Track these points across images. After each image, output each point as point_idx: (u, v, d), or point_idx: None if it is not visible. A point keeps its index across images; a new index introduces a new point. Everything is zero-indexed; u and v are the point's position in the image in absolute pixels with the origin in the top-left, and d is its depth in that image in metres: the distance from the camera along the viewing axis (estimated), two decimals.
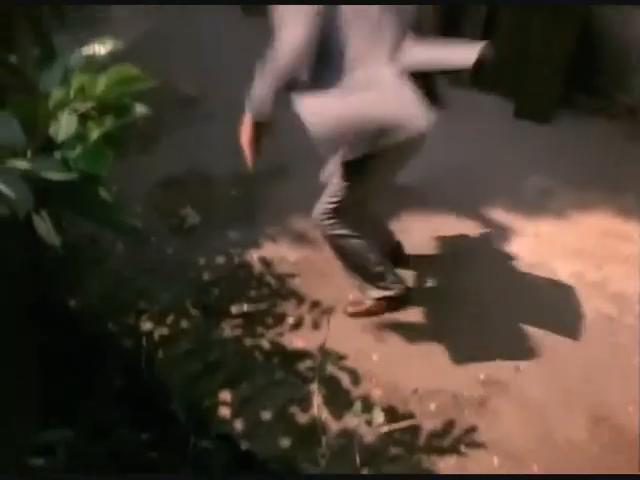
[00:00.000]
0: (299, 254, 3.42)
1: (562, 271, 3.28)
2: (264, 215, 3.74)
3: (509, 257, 3.38)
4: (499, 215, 3.70)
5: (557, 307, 3.07)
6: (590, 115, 4.61)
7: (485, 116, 4.67)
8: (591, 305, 3.07)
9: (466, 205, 3.76)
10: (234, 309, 3.08)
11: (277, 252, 3.44)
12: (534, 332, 2.92)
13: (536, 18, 4.52)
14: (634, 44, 4.42)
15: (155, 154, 4.18)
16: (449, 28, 5.13)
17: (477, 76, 4.97)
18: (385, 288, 2.90)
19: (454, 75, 5.00)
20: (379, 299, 2.93)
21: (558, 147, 4.28)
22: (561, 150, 4.25)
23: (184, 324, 3.01)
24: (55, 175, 0.97)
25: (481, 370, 2.75)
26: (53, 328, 2.92)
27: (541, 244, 3.48)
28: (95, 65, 1.10)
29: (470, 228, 3.59)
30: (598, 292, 3.15)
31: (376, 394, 2.66)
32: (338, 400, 2.63)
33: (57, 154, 1.04)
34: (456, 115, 4.65)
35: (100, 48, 1.19)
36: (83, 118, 1.09)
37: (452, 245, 3.47)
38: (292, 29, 2.25)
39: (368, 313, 3.00)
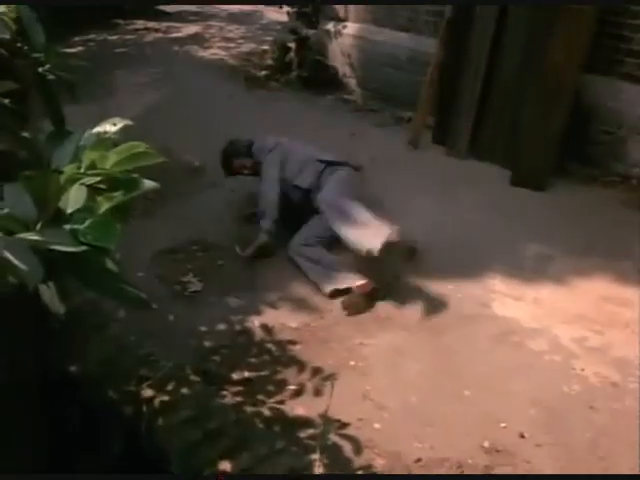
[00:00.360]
0: (300, 321, 3.42)
1: (563, 336, 3.27)
2: (265, 282, 3.76)
3: (509, 322, 3.38)
4: (498, 280, 3.71)
5: (559, 373, 3.05)
6: (585, 183, 4.71)
7: (482, 184, 4.76)
8: (593, 370, 3.05)
9: (464, 270, 3.78)
10: (235, 376, 3.05)
11: (278, 319, 3.44)
12: (538, 398, 2.89)
13: (529, 91, 4.65)
14: (624, 115, 4.53)
15: (159, 221, 4.24)
16: (444, 106, 5.28)
17: (474, 146, 5.10)
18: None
19: (452, 147, 5.15)
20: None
21: (555, 214, 4.35)
22: (558, 217, 4.31)
23: (185, 391, 2.98)
24: (64, 247, 1.00)
25: (485, 437, 2.71)
26: (53, 393, 2.91)
27: (541, 309, 3.48)
28: (106, 143, 1.14)
29: (469, 293, 3.60)
30: (600, 358, 3.13)
31: (378, 463, 2.61)
32: (340, 470, 2.58)
33: (66, 226, 1.07)
34: (454, 183, 4.77)
35: (111, 127, 1.24)
36: (92, 191, 1.12)
37: (451, 310, 3.47)
38: (267, 176, 4.08)
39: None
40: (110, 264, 1.09)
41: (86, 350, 3.20)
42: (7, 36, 1.63)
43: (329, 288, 3.63)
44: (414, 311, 3.47)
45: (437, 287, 3.66)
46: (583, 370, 3.05)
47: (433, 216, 4.35)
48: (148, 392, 2.95)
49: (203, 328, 3.37)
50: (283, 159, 4.15)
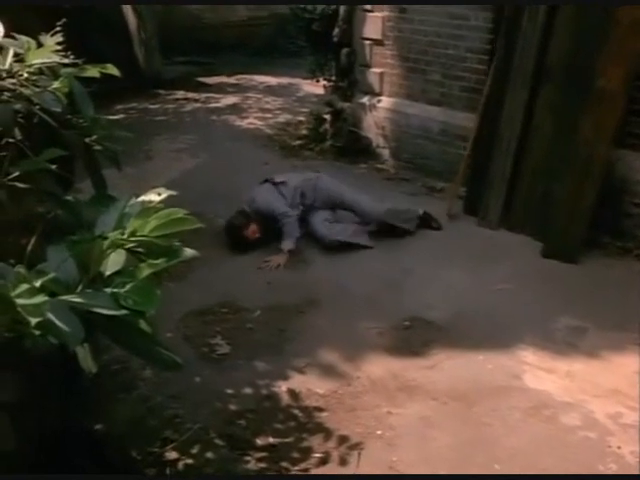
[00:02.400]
0: (327, 387, 3.40)
1: (598, 412, 3.20)
2: (293, 347, 3.77)
3: (541, 395, 3.32)
4: (529, 352, 3.67)
5: (594, 450, 2.97)
6: (618, 256, 4.67)
7: (514, 255, 4.76)
8: (630, 449, 2.96)
9: (495, 341, 3.75)
10: (260, 441, 3.03)
11: (305, 384, 3.43)
12: (572, 473, 2.81)
13: (561, 164, 4.70)
14: None
15: (189, 283, 4.30)
16: (476, 177, 5.36)
17: (506, 217, 5.13)
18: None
19: (483, 217, 5.22)
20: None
21: (587, 287, 4.31)
22: (590, 290, 4.27)
23: (209, 455, 2.96)
24: (105, 310, 1.04)
25: None
26: (77, 451, 2.91)
27: (574, 383, 3.42)
28: (150, 212, 1.20)
29: (500, 365, 3.56)
30: (636, 435, 3.04)
31: None
32: None
33: (107, 290, 1.11)
34: (485, 254, 4.78)
35: (155, 196, 1.30)
36: (132, 255, 1.18)
37: (481, 381, 3.43)
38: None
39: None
40: (145, 326, 1.13)
41: (112, 409, 3.22)
42: (59, 109, 1.73)
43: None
44: (443, 380, 3.43)
45: (467, 357, 3.63)
46: (619, 448, 2.97)
47: (464, 286, 4.35)
48: (172, 454, 2.94)
49: (229, 391, 3.38)
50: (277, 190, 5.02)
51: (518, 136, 5.05)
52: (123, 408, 3.23)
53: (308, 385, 3.42)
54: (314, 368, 3.57)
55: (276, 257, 4.72)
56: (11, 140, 1.74)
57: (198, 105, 9.51)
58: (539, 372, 3.51)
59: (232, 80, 11.21)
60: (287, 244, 4.78)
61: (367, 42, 6.68)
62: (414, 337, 3.84)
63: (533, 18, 4.81)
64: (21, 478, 1.27)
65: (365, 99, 6.87)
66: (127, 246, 1.17)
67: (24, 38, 1.81)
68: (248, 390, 3.39)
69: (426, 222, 5.22)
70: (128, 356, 3.28)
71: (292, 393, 3.36)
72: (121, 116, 8.65)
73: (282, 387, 3.41)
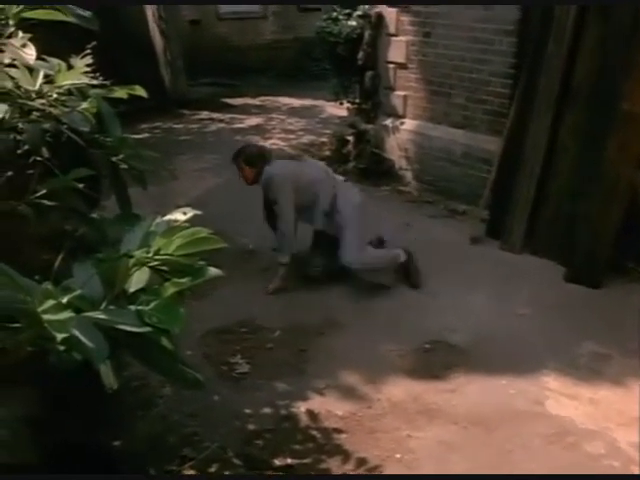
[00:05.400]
0: (347, 409, 3.39)
1: (622, 440, 3.14)
2: (313, 367, 3.76)
3: (564, 422, 3.27)
4: (552, 378, 3.62)
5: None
6: None
7: (537, 280, 4.72)
8: None
9: (517, 366, 3.71)
10: (277, 462, 3.02)
11: (325, 406, 3.42)
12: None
13: (585, 188, 4.67)
14: None
15: (211, 301, 4.32)
16: (499, 201, 5.34)
17: (529, 241, 5.09)
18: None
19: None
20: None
21: (611, 313, 4.25)
22: (614, 316, 4.21)
23: (226, 474, 2.96)
24: (129, 327, 1.06)
25: None
26: (95, 467, 2.91)
27: (598, 410, 3.36)
28: (175, 231, 1.22)
29: (522, 390, 3.52)
30: None
31: None
32: None
33: (132, 307, 1.13)
34: (508, 278, 4.74)
35: (181, 216, 1.32)
36: (156, 273, 1.19)
37: (503, 406, 3.39)
38: (283, 201, 4.44)
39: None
40: (167, 344, 1.14)
41: (131, 425, 3.23)
42: (87, 129, 1.76)
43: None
44: (464, 404, 3.40)
45: (489, 382, 3.59)
46: None
47: (486, 310, 4.32)
48: (190, 472, 2.94)
49: (248, 411, 3.37)
50: (295, 186, 4.46)
51: (542, 159, 5.03)
52: (142, 425, 3.24)
53: (327, 406, 3.41)
54: (334, 389, 3.56)
55: (275, 281, 4.60)
56: (39, 158, 1.78)
57: (222, 125, 9.62)
58: (562, 398, 3.46)
59: (256, 101, 11.33)
60: (285, 257, 4.53)
61: (391, 65, 6.74)
62: (435, 360, 3.81)
63: (558, 41, 4.81)
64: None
65: (388, 121, 6.91)
66: (151, 264, 1.19)
67: (55, 60, 1.85)
68: (267, 410, 3.39)
69: (406, 270, 4.73)
70: (147, 373, 3.29)
71: (311, 414, 3.35)
72: (146, 135, 8.77)
73: (301, 408, 3.40)
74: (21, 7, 1.60)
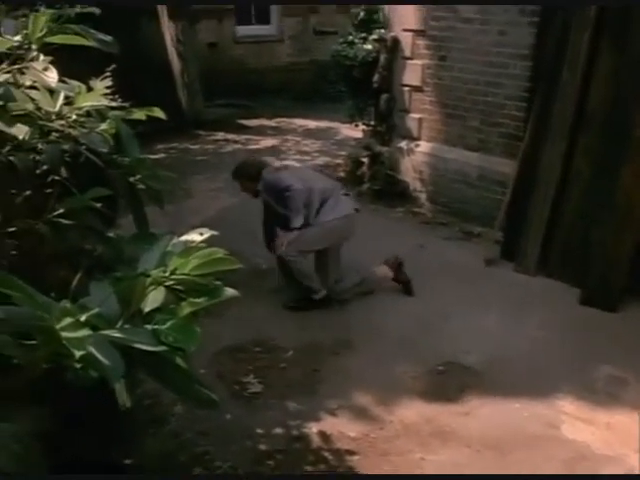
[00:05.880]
0: (360, 430, 3.37)
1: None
2: (326, 388, 3.75)
3: (580, 447, 3.23)
4: (567, 402, 3.59)
5: None
6: None
7: (551, 302, 4.69)
8: None
9: (531, 389, 3.68)
10: None
11: (337, 427, 3.40)
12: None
13: (600, 210, 4.66)
14: None
15: (224, 320, 4.33)
16: (514, 223, 5.33)
17: (543, 263, 5.08)
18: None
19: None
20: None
21: (627, 336, 4.22)
22: (630, 339, 4.18)
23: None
24: (145, 346, 1.07)
25: None
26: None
27: (614, 436, 3.32)
28: (192, 252, 1.24)
29: (536, 413, 3.49)
30: None
31: None
32: None
33: (148, 326, 1.14)
34: (522, 300, 4.72)
35: (197, 236, 1.34)
36: (171, 293, 1.21)
37: (517, 429, 3.36)
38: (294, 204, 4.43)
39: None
40: (181, 362, 1.16)
41: (143, 443, 3.23)
42: (105, 150, 1.80)
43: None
44: (478, 427, 3.37)
45: (503, 404, 3.56)
46: None
47: (500, 332, 4.30)
48: None
49: (259, 430, 3.37)
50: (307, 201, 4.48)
51: (557, 183, 5.03)
52: (154, 443, 3.25)
53: (340, 427, 3.39)
54: (346, 410, 3.54)
55: (282, 236, 4.50)
56: (57, 178, 1.81)
57: (238, 146, 9.70)
58: (578, 423, 3.43)
59: (272, 123, 11.41)
60: (298, 220, 4.44)
61: (406, 88, 6.78)
62: (449, 382, 3.79)
63: (573, 68, 4.83)
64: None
65: (403, 143, 6.94)
66: (167, 284, 1.20)
67: (75, 83, 1.89)
68: (279, 430, 3.38)
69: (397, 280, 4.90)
70: (159, 390, 3.30)
71: (323, 435, 3.34)
72: (162, 155, 8.86)
73: (313, 428, 3.39)
74: (44, 32, 1.64)
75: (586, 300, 4.66)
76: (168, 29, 10.90)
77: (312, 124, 11.22)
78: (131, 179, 1.95)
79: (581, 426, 3.40)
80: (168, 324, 1.15)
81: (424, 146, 6.73)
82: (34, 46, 1.70)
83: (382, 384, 3.77)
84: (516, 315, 4.51)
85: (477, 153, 6.12)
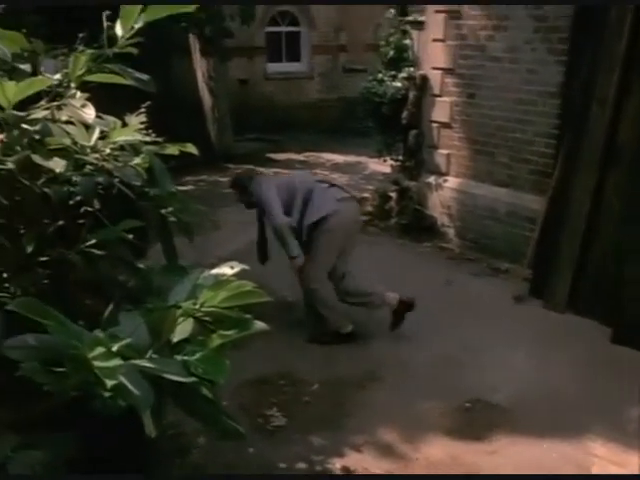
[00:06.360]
0: (384, 467, 3.33)
1: None
2: (351, 423, 3.72)
3: None
4: (598, 443, 3.51)
5: None
6: None
7: (581, 340, 4.62)
8: None
9: (560, 429, 3.61)
10: None
11: (361, 463, 3.37)
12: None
13: (632, 247, 4.61)
14: None
15: (248, 352, 4.33)
16: (543, 259, 5.30)
17: (573, 300, 5.02)
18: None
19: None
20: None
21: None
22: None
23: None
24: (175, 377, 1.09)
25: None
26: None
27: None
28: (223, 285, 1.26)
29: (565, 454, 3.41)
30: None
31: None
32: None
33: (177, 357, 1.16)
34: (551, 337, 4.66)
35: (228, 270, 1.36)
36: (200, 324, 1.23)
37: (545, 471, 3.29)
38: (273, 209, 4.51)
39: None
40: (209, 393, 1.17)
41: (167, 473, 3.22)
42: (139, 183, 1.84)
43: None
44: (505, 467, 3.31)
45: (531, 444, 3.50)
46: None
47: (529, 369, 4.24)
48: None
49: (282, 465, 3.34)
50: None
51: (586, 219, 5.00)
52: (177, 473, 3.24)
53: (364, 464, 3.36)
54: (371, 446, 3.50)
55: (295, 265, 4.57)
56: (90, 209, 1.85)
57: None
58: (609, 466, 3.35)
59: (300, 157, 11.53)
60: (294, 250, 4.50)
61: (435, 125, 6.84)
62: (476, 420, 3.74)
63: (602, 104, 4.84)
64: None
65: (431, 179, 6.96)
66: (197, 315, 1.23)
67: (110, 118, 1.95)
68: (302, 465, 3.35)
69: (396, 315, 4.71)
70: (183, 421, 3.31)
71: (347, 471, 3.30)
72: (191, 187, 8.98)
73: (337, 464, 3.36)
74: (83, 70, 1.70)
75: (618, 338, 4.58)
76: (200, 66, 11.17)
77: (340, 159, 11.31)
78: (162, 211, 1.99)
79: (613, 469, 3.32)
80: (198, 355, 1.17)
81: (452, 181, 6.74)
82: (73, 84, 1.76)
83: (408, 420, 3.73)
84: (545, 352, 4.45)
85: (506, 189, 6.12)
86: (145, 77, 1.76)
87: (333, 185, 4.81)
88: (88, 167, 1.81)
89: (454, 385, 4.07)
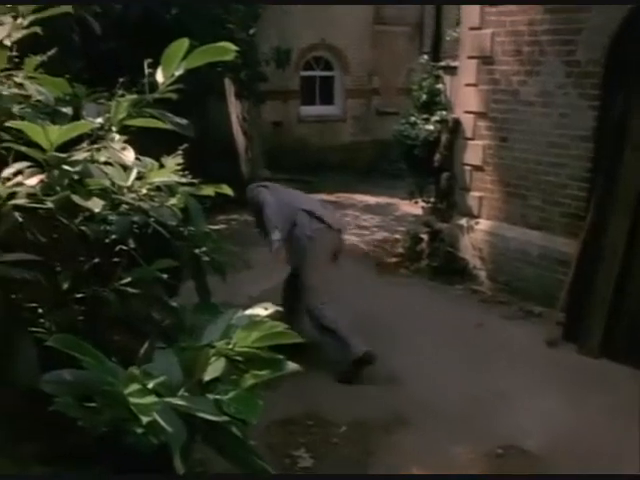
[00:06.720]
0: None
1: None
2: (379, 466, 3.67)
3: None
4: None
5: None
6: None
7: (616, 387, 4.51)
8: None
9: (594, 478, 3.51)
10: None
11: None
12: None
13: None
14: None
15: (278, 391, 4.32)
16: (576, 303, 5.23)
17: (608, 345, 4.92)
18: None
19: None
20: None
21: None
22: None
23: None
24: (207, 415, 1.10)
25: None
26: None
27: None
28: (257, 326, 1.28)
29: None
30: None
31: None
32: None
33: (210, 395, 1.18)
34: (585, 383, 4.56)
35: (262, 311, 1.39)
36: (232, 363, 1.25)
37: None
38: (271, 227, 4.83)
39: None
40: (238, 432, 1.18)
41: None
42: (174, 223, 1.89)
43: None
44: None
45: None
46: None
47: (562, 415, 4.15)
48: None
49: None
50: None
51: (621, 262, 4.94)
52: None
53: None
54: None
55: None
56: (125, 248, 1.90)
57: None
58: None
59: (332, 197, 11.59)
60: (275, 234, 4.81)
61: (467, 167, 6.86)
62: (508, 466, 3.66)
63: (636, 147, 4.82)
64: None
65: (463, 221, 6.96)
66: (229, 355, 1.24)
67: (148, 160, 2.01)
68: None
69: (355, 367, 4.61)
70: (209, 459, 3.29)
71: None
72: (223, 226, 9.08)
73: None
74: (124, 115, 1.76)
75: None
76: (234, 108, 11.39)
77: (372, 200, 11.36)
78: (196, 251, 2.03)
79: None
80: (230, 395, 1.18)
81: (484, 224, 6.73)
82: (114, 128, 1.82)
83: (437, 465, 3.66)
84: (578, 398, 4.35)
85: (538, 232, 6.09)
86: (184, 122, 1.82)
87: (315, 216, 4.93)
88: (124, 206, 1.86)
89: (485, 430, 4.00)
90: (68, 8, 1.88)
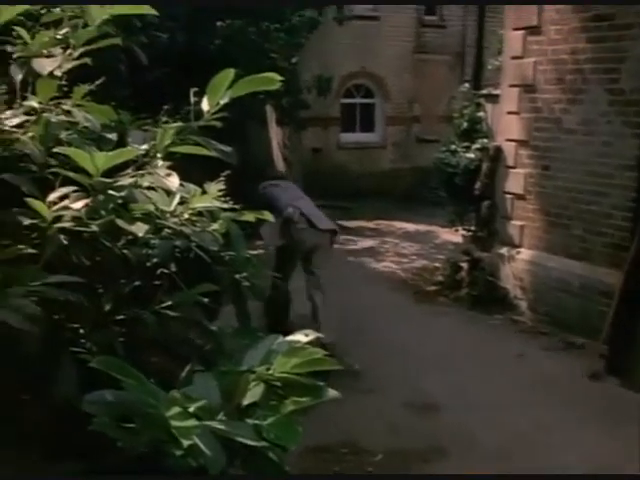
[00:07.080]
0: None
1: None
2: None
3: None
4: None
5: None
6: None
7: (633, 418, 4.37)
8: None
9: None
10: None
11: None
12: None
13: None
14: None
15: (312, 418, 4.28)
16: (620, 336, 5.13)
17: (626, 373, 4.81)
18: None
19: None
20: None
21: None
22: None
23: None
24: (247, 440, 1.11)
25: None
26: None
27: None
28: (297, 352, 1.29)
29: None
30: None
31: None
32: None
33: (249, 420, 1.18)
34: (629, 418, 4.43)
35: (302, 337, 1.40)
36: (270, 389, 1.25)
37: None
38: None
39: None
40: (275, 458, 1.18)
41: None
42: (216, 248, 1.92)
43: None
44: None
45: None
46: None
47: (604, 450, 4.03)
48: None
49: None
50: None
51: None
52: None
53: None
54: None
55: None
56: (166, 271, 1.93)
57: (336, 246, 9.87)
58: None
59: (371, 224, 11.61)
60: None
61: (509, 196, 6.82)
62: None
63: None
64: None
65: (504, 250, 6.89)
66: (269, 380, 1.25)
67: (191, 186, 2.05)
68: None
69: None
70: None
71: None
72: (260, 251, 9.13)
73: None
74: (169, 141, 1.81)
75: None
76: (276, 135, 11.54)
77: (411, 227, 11.33)
78: (237, 276, 2.05)
79: None
80: (270, 420, 1.18)
81: (525, 253, 6.65)
82: (159, 155, 1.87)
83: None
84: (622, 433, 4.22)
85: (580, 262, 5.99)
86: (227, 149, 1.86)
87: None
88: (167, 231, 1.90)
89: (525, 463, 3.91)
90: (117, 40, 1.94)
